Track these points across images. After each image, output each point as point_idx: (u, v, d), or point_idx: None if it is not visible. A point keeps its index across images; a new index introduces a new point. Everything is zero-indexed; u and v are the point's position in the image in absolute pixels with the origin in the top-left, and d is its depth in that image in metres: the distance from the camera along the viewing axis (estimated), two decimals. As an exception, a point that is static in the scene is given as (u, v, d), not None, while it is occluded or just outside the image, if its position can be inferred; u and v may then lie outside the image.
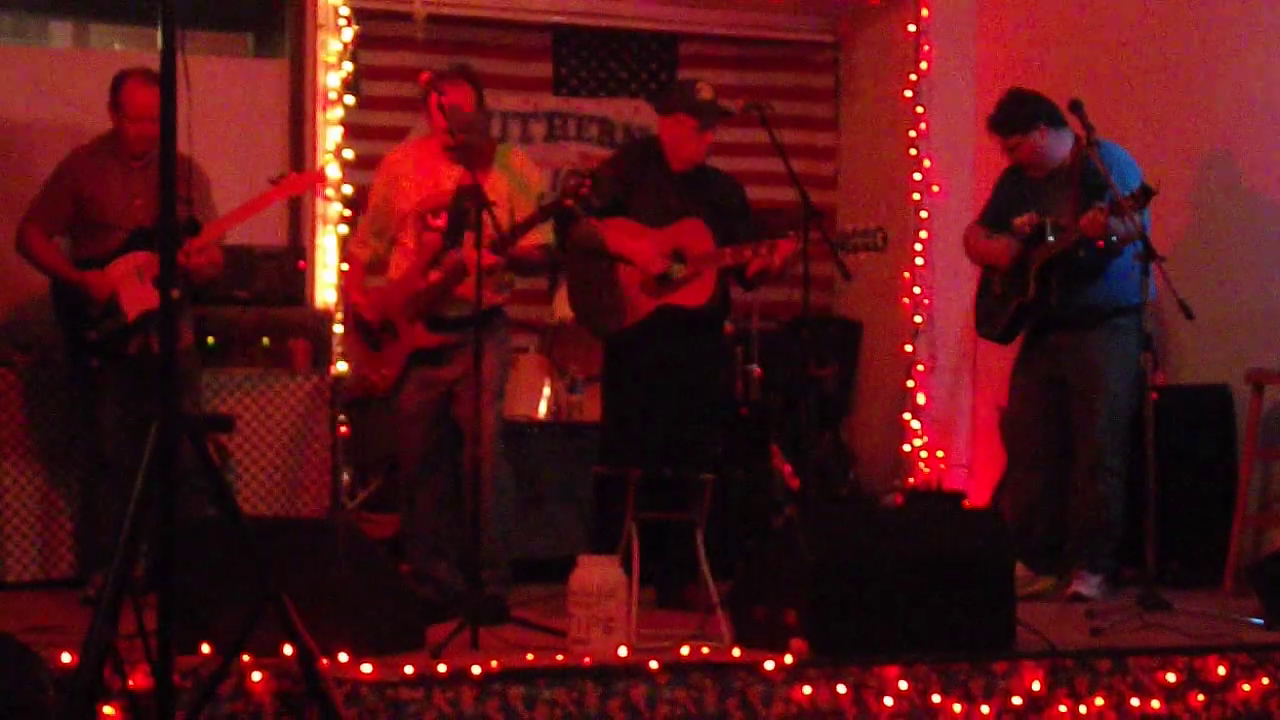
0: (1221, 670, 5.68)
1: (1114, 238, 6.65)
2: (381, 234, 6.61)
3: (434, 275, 6.39)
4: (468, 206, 6.23)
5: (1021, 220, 7.05)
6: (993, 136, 7.15)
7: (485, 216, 5.93)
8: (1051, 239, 6.87)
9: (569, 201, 6.24)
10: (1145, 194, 6.45)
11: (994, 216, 7.28)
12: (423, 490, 6.55)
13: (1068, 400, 7.10)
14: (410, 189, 6.53)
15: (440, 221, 6.44)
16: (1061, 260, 6.90)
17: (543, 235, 6.48)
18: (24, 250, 6.80)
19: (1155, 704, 5.60)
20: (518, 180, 6.47)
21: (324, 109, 8.30)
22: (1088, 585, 6.94)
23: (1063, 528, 7.11)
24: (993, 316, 7.29)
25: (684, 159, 6.82)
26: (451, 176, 6.45)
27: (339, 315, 7.81)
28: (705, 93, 6.80)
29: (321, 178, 7.48)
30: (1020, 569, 6.78)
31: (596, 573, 5.55)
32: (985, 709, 5.45)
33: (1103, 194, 6.67)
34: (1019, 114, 7.04)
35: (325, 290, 8.14)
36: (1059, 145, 7.01)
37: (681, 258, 6.73)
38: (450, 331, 6.41)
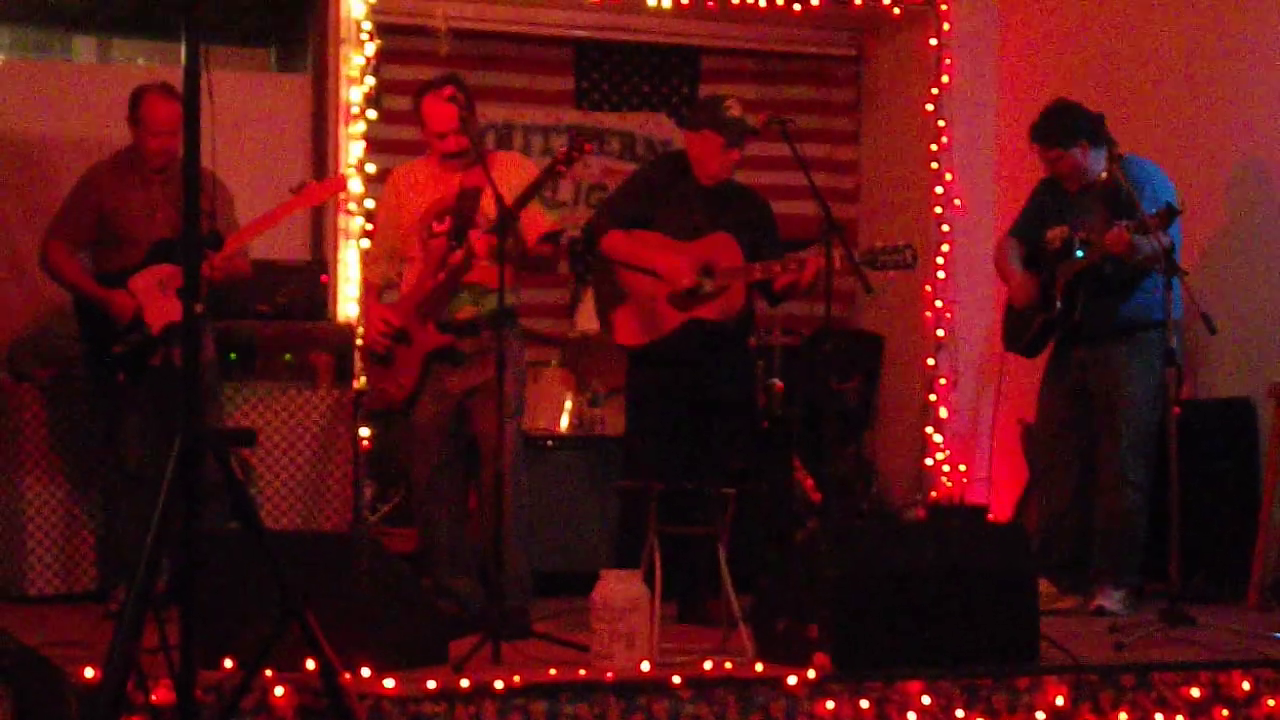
0: (1246, 685, 5.65)
1: (1139, 255, 6.65)
2: (392, 255, 6.62)
3: (441, 275, 6.41)
4: (471, 208, 6.28)
5: (1054, 233, 7.06)
6: (1033, 145, 7.14)
7: (484, 214, 5.96)
8: (1080, 254, 6.87)
9: (561, 168, 6.23)
10: (1170, 213, 6.44)
11: (1027, 228, 7.28)
12: (435, 503, 6.54)
13: (1091, 414, 7.09)
14: (415, 201, 6.55)
15: (444, 226, 6.46)
16: (1088, 275, 6.89)
17: (548, 222, 6.48)
18: (49, 267, 6.82)
19: (1179, 719, 5.57)
20: (516, 185, 6.45)
21: (346, 124, 8.32)
22: (1111, 600, 6.92)
23: (1087, 542, 7.09)
24: (1019, 330, 7.28)
25: (711, 175, 6.81)
26: (452, 183, 6.47)
27: (360, 329, 7.82)
28: (734, 110, 6.78)
29: (343, 184, 7.50)
30: (1045, 585, 6.78)
31: (619, 587, 5.55)
32: (1008, 724, 5.44)
33: (1133, 211, 6.66)
34: (1063, 127, 7.02)
35: (348, 304, 8.15)
36: (1097, 161, 6.99)
37: (710, 272, 6.73)
38: (463, 335, 6.41)
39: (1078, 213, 7.05)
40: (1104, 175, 6.88)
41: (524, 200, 6.19)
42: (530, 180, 6.31)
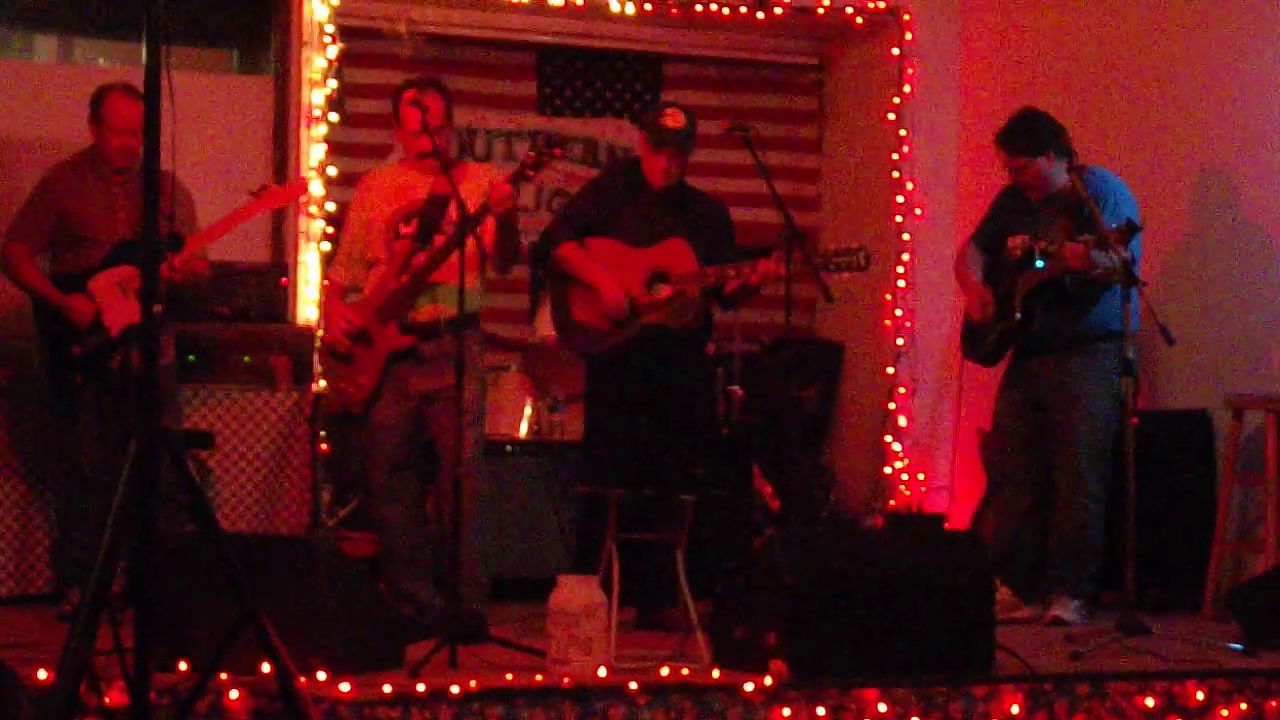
0: (1200, 695, 5.68)
1: (1097, 270, 6.69)
2: (361, 258, 6.60)
3: (405, 277, 6.40)
4: (438, 212, 6.28)
5: (1015, 242, 7.09)
6: (998, 152, 7.16)
7: (450, 220, 5.96)
8: (1040, 264, 6.90)
9: (530, 172, 6.23)
10: (1130, 229, 6.47)
11: (988, 236, 7.30)
12: (391, 505, 6.52)
13: (1048, 425, 7.11)
14: (383, 204, 6.53)
15: (410, 228, 6.45)
16: (1048, 287, 6.92)
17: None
18: (7, 270, 6.79)
19: (1134, 728, 5.61)
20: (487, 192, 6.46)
21: (308, 126, 8.30)
22: (1067, 609, 6.95)
23: (1044, 552, 7.12)
24: (978, 339, 7.31)
25: (652, 180, 6.83)
26: (422, 187, 6.46)
27: (320, 332, 7.81)
28: (668, 119, 6.79)
29: (303, 188, 7.48)
30: (1004, 593, 6.81)
31: (576, 592, 5.54)
32: (964, 732, 5.45)
33: (1093, 224, 6.69)
34: (1029, 136, 7.05)
35: (307, 307, 8.13)
36: (1061, 171, 7.02)
37: (663, 278, 6.74)
38: (424, 336, 6.40)
39: (1039, 222, 7.08)
40: (1067, 186, 6.92)
41: (484, 212, 6.19)
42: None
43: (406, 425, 6.50)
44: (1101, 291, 6.90)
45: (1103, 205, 6.76)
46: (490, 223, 6.26)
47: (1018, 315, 7.03)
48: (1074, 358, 7.03)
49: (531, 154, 6.24)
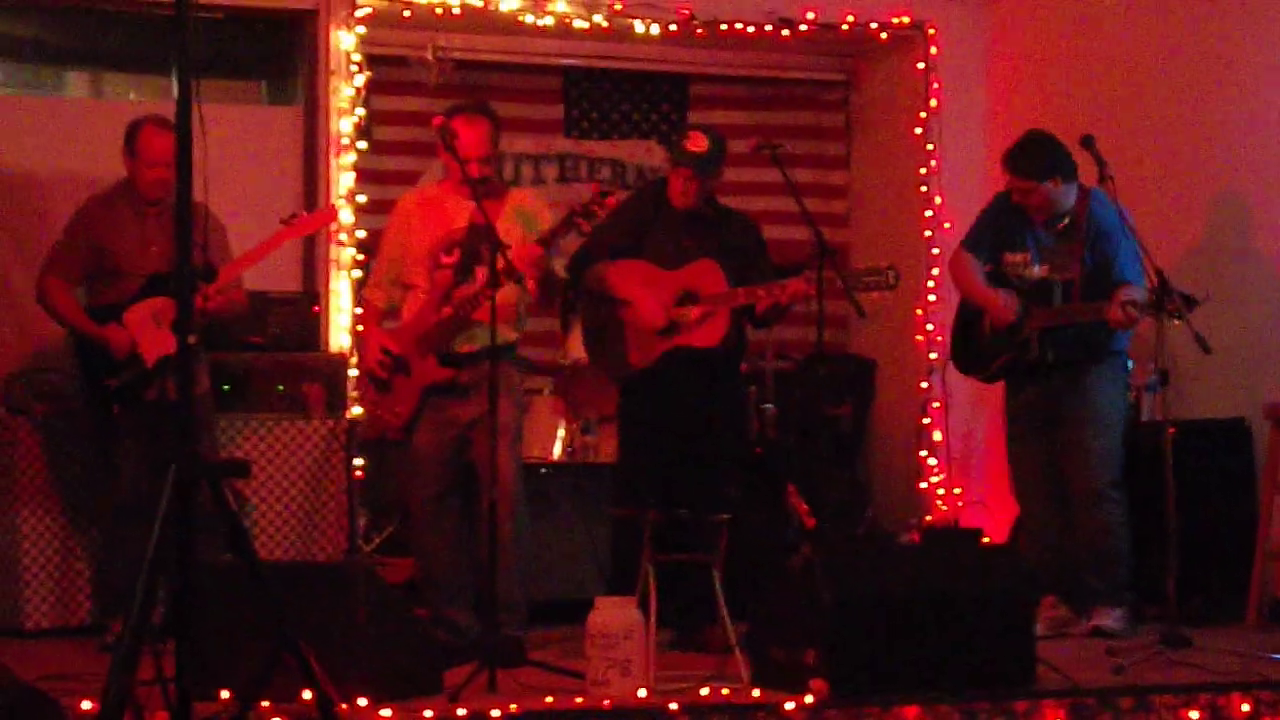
0: (1245, 707, 5.63)
1: (1137, 322, 6.75)
2: (397, 281, 6.61)
3: (446, 310, 6.41)
4: (478, 244, 6.28)
5: (1016, 258, 7.07)
6: (1005, 173, 7.14)
7: (491, 255, 5.97)
8: (1059, 301, 6.90)
9: (581, 220, 6.25)
10: (1189, 304, 6.45)
11: (984, 246, 7.24)
12: (434, 533, 6.53)
13: (1061, 439, 7.09)
14: (423, 231, 6.54)
15: (452, 259, 6.46)
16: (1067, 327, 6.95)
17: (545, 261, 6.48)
18: (45, 304, 6.84)
19: (1178, 741, 5.58)
20: (529, 221, 6.48)
21: (337, 154, 8.32)
22: (1110, 618, 6.92)
23: (1076, 566, 7.09)
24: (982, 358, 7.26)
25: (673, 201, 6.84)
26: (463, 216, 6.46)
27: (353, 359, 7.82)
28: (689, 142, 6.80)
29: (333, 214, 7.51)
30: (1064, 610, 6.83)
31: (614, 614, 5.54)
32: (1006, 747, 5.44)
33: (1105, 244, 6.86)
34: (1036, 161, 7.01)
35: (340, 334, 8.15)
36: (1068, 197, 7.02)
37: (694, 298, 6.74)
38: (463, 367, 6.41)
39: (1041, 241, 7.06)
40: (1073, 209, 6.94)
41: (544, 241, 6.22)
42: (545, 220, 6.40)
43: (447, 452, 6.50)
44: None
45: (1116, 237, 6.80)
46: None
47: (1033, 350, 7.00)
48: (1084, 373, 7.02)
49: (581, 201, 6.27)
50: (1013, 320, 7.05)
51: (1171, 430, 6.42)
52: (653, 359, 6.76)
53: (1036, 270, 7.02)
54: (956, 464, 9.22)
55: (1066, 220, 7.04)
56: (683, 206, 6.84)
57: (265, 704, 4.84)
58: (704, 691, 5.40)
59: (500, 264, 5.93)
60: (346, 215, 8.19)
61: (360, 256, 8.12)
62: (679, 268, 6.80)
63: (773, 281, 6.67)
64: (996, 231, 7.23)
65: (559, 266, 6.65)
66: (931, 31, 9.28)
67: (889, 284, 6.55)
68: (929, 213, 9.24)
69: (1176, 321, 6.39)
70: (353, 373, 7.80)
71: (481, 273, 6.30)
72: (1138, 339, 7.23)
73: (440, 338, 6.42)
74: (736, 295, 6.71)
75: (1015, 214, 7.17)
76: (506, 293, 6.11)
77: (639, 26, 8.83)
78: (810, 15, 9.04)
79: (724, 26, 8.97)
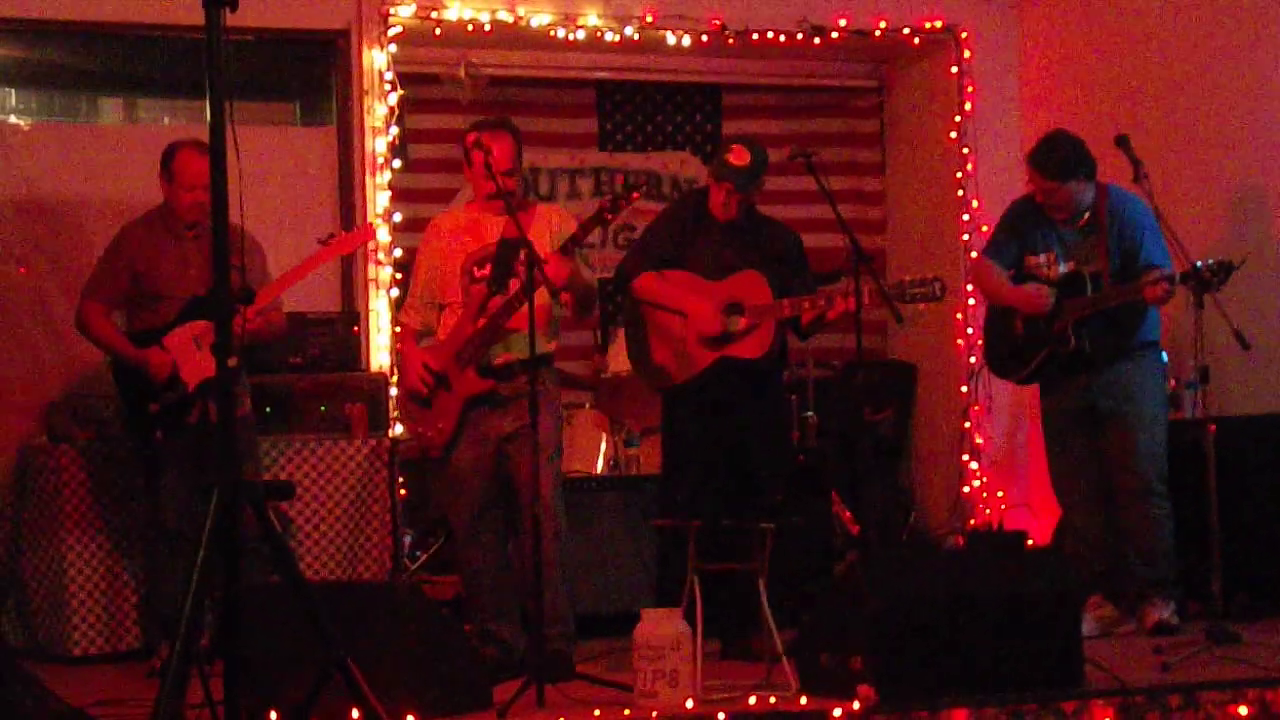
0: (1294, 702, 5.63)
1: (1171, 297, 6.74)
2: (431, 302, 6.63)
3: (481, 321, 6.42)
4: (511, 256, 6.30)
5: (1039, 259, 7.06)
6: (1030, 172, 7.13)
7: (526, 263, 5.98)
8: (1092, 292, 6.88)
9: (609, 215, 6.26)
10: (1225, 270, 6.47)
11: (1005, 253, 7.23)
12: (476, 547, 6.54)
13: (1103, 436, 7.06)
14: (456, 249, 6.56)
15: (485, 271, 6.48)
16: (1102, 312, 6.92)
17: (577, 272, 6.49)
18: (85, 330, 6.86)
19: (1228, 738, 5.55)
20: (557, 235, 6.48)
21: (372, 173, 8.36)
22: (1165, 610, 6.89)
23: (1123, 564, 7.06)
24: (1018, 358, 7.23)
25: (714, 213, 6.84)
26: (494, 231, 6.49)
27: (394, 378, 7.84)
28: (732, 156, 6.78)
29: (370, 233, 7.53)
30: (1110, 609, 6.81)
31: (660, 625, 5.55)
32: (1056, 749, 5.42)
33: (1130, 232, 6.86)
34: (1062, 162, 7.00)
35: (380, 354, 8.18)
36: (1088, 194, 7.03)
37: (739, 309, 6.73)
38: (501, 379, 6.43)
39: (1066, 241, 7.05)
40: (1094, 205, 6.94)
41: (567, 248, 6.23)
42: (569, 230, 6.37)
43: (487, 467, 6.51)
44: (1147, 307, 6.92)
45: (1142, 230, 6.81)
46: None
47: (1071, 341, 6.98)
48: (1124, 366, 7.00)
49: (608, 197, 6.28)
50: (1048, 308, 7.03)
51: (1212, 427, 6.40)
52: (700, 370, 6.75)
53: (1062, 268, 7.02)
54: (999, 467, 9.20)
55: (1087, 215, 7.03)
56: (724, 219, 6.84)
57: (314, 724, 4.85)
58: (752, 700, 5.40)
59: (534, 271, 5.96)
60: (383, 234, 8.22)
61: (398, 275, 8.14)
62: (721, 279, 6.79)
63: (817, 294, 6.67)
64: (1017, 236, 7.22)
65: (588, 273, 6.63)
66: (964, 35, 9.29)
67: (935, 295, 6.54)
68: (966, 216, 9.23)
69: (1215, 294, 6.40)
70: (394, 391, 7.82)
71: (515, 284, 6.32)
72: (1177, 334, 7.21)
73: (477, 349, 6.44)
74: (782, 307, 6.69)
75: (1034, 216, 7.17)
76: (540, 301, 6.10)
77: (670, 38, 8.85)
78: (842, 22, 9.05)
79: (755, 36, 8.98)
